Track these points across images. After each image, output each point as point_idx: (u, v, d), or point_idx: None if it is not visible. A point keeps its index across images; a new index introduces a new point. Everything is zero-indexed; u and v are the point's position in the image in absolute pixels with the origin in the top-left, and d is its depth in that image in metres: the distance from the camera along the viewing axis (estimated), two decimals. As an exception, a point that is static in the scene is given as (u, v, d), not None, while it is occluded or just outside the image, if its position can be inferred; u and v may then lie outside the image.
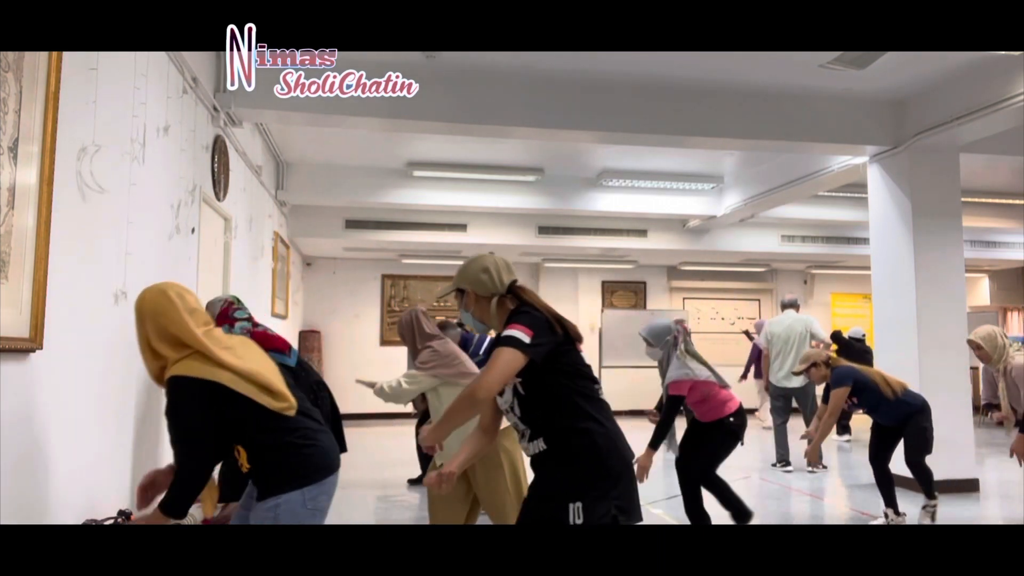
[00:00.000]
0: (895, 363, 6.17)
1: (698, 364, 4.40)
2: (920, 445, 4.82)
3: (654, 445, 4.29)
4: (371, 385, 3.78)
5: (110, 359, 3.27)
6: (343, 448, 3.20)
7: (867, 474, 6.86)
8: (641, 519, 2.20)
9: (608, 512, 2.10)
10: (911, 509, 5.00)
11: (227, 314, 3.66)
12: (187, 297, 2.37)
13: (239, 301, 3.81)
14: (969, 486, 5.99)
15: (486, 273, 2.34)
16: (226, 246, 5.62)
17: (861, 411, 5.01)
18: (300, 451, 2.29)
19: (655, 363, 4.67)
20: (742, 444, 4.45)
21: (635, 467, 2.31)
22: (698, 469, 4.42)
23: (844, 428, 9.45)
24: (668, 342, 4.49)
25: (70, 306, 2.82)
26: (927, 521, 4.84)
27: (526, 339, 2.11)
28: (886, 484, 4.94)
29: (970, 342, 4.76)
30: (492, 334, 2.41)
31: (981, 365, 4.96)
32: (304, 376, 3.59)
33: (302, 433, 2.33)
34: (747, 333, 11.85)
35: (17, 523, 2.34)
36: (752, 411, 11.32)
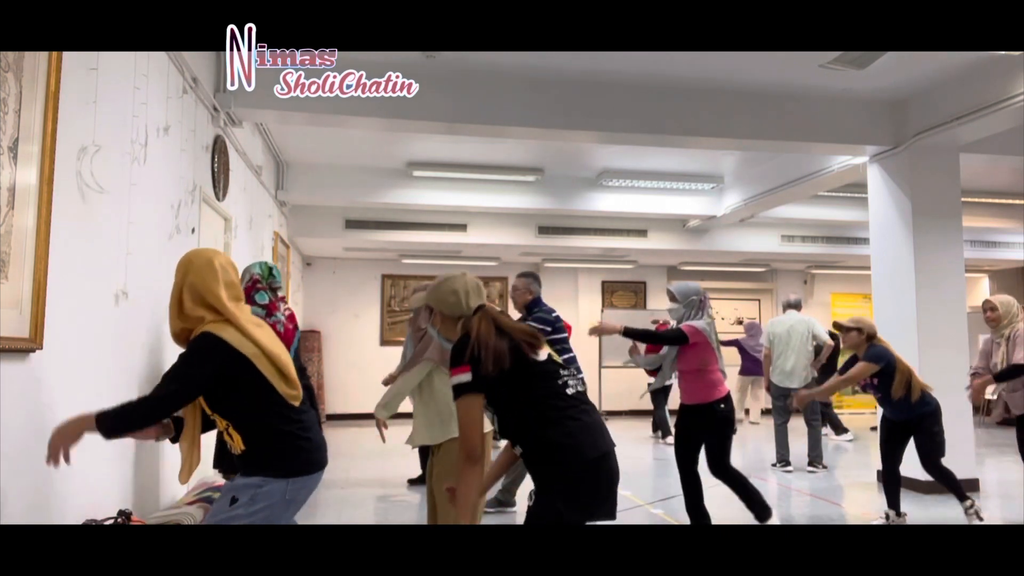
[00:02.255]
0: (895, 363, 6.17)
1: (715, 336, 4.43)
2: (933, 449, 4.77)
3: (628, 333, 4.36)
4: (384, 424, 3.74)
5: (110, 359, 3.27)
6: None
7: (867, 474, 6.88)
8: (611, 517, 2.26)
9: (553, 505, 2.19)
10: (912, 509, 4.99)
11: (248, 293, 3.62)
12: (229, 271, 2.45)
13: (269, 275, 3.75)
14: (969, 486, 5.95)
15: (454, 295, 2.46)
16: (226, 246, 5.62)
17: (873, 393, 4.91)
18: (296, 441, 2.34)
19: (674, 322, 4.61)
20: (735, 432, 4.45)
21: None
22: (713, 465, 4.38)
23: (844, 428, 9.46)
24: (693, 302, 4.47)
25: (70, 306, 2.82)
26: (976, 521, 4.72)
27: (468, 378, 2.26)
28: (892, 484, 4.91)
29: (987, 302, 4.78)
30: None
31: (982, 337, 4.97)
32: None
33: (302, 424, 2.36)
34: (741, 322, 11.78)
35: (17, 523, 2.35)
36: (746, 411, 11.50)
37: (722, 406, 4.32)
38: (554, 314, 5.18)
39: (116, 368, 3.34)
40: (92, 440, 3.08)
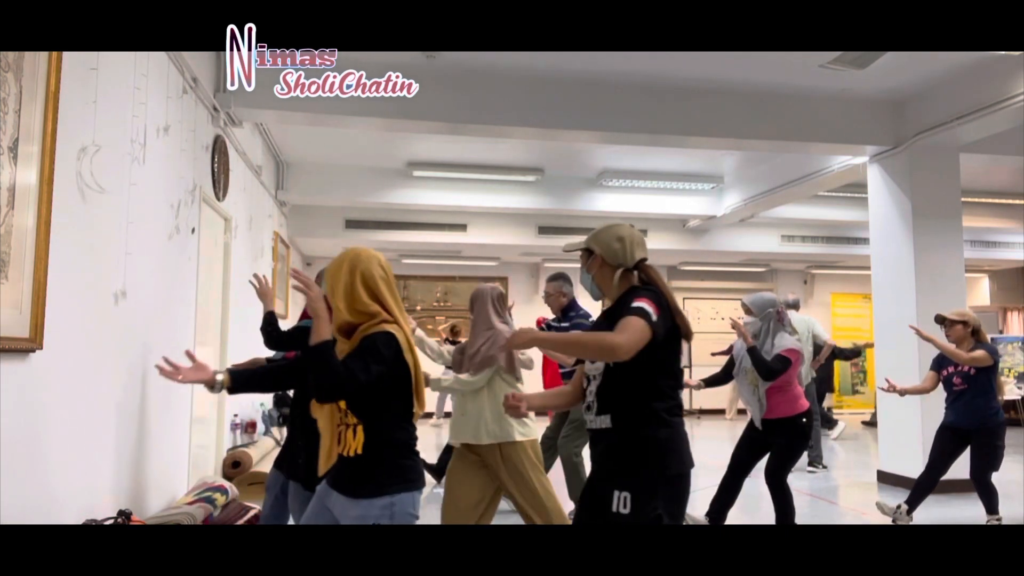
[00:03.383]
0: (895, 363, 6.17)
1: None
2: (990, 461, 4.72)
3: (751, 350, 4.19)
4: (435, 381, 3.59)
5: (110, 359, 3.27)
6: None
7: (867, 474, 6.87)
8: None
9: (655, 510, 2.11)
10: (925, 514, 4.98)
11: None
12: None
13: None
14: (969, 486, 5.95)
15: (620, 242, 2.34)
16: (226, 246, 5.62)
17: (957, 384, 4.76)
18: (413, 455, 2.30)
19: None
20: (807, 448, 4.32)
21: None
22: (771, 472, 4.27)
23: (833, 420, 9.50)
24: (770, 314, 4.36)
25: (70, 306, 2.82)
26: None
27: (654, 316, 2.13)
28: (925, 488, 4.85)
29: None
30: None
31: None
32: None
33: (415, 440, 2.33)
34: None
35: (17, 523, 2.35)
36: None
37: (804, 420, 4.22)
38: (591, 319, 4.97)
39: (116, 368, 3.34)
40: (91, 440, 3.09)
